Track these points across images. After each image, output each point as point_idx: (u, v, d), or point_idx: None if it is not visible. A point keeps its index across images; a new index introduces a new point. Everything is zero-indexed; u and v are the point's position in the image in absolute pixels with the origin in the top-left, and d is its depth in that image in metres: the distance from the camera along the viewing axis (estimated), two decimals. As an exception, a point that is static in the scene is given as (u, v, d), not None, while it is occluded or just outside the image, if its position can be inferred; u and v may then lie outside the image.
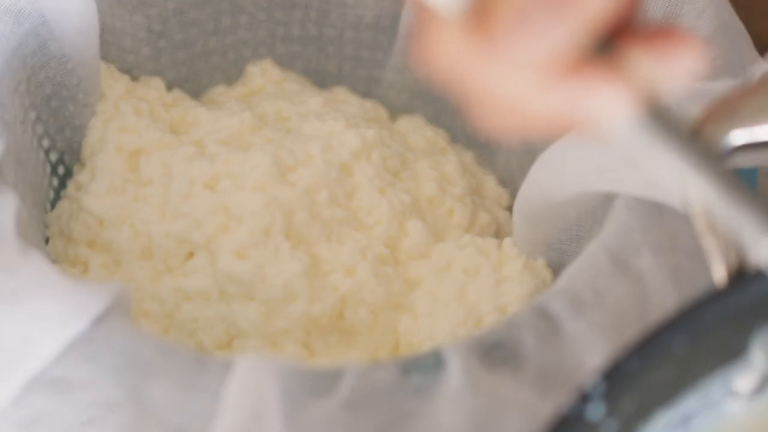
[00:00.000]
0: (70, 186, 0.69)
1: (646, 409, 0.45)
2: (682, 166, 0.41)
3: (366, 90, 0.76)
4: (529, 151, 0.70)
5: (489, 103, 0.41)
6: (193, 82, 0.75)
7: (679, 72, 0.40)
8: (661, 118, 0.41)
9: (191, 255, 0.65)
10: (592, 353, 0.53)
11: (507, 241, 0.66)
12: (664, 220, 0.56)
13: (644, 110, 0.40)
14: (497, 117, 0.41)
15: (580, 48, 0.39)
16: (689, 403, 0.46)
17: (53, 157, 0.69)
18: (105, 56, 0.71)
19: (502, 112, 0.41)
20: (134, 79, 0.73)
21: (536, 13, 0.38)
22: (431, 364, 0.53)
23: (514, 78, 0.39)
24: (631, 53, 0.40)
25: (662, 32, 0.40)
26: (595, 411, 0.44)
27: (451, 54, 0.40)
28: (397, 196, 0.67)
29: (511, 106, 0.40)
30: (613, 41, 0.40)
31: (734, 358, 0.46)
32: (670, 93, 0.56)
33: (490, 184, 0.73)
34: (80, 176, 0.69)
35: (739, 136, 0.50)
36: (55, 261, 0.67)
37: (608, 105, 0.40)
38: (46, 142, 0.68)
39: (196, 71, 0.75)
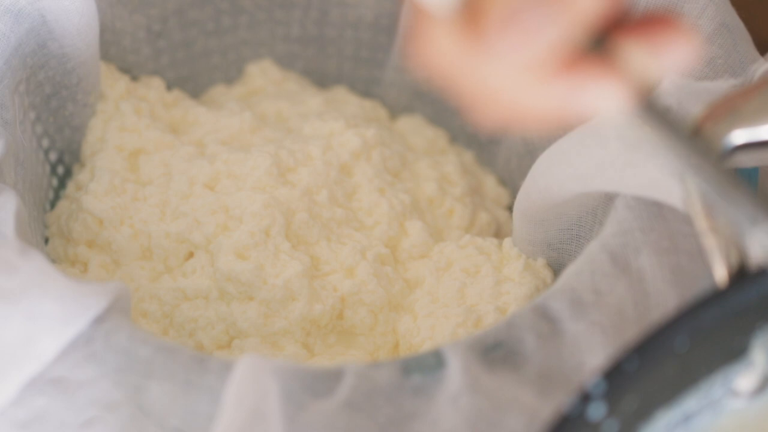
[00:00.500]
0: (70, 186, 0.69)
1: (647, 409, 0.45)
2: (677, 158, 0.41)
3: (366, 90, 0.76)
4: (529, 151, 0.70)
5: (484, 100, 0.41)
6: (193, 82, 0.75)
7: (672, 61, 0.40)
8: (655, 111, 0.41)
9: (191, 255, 0.65)
10: (592, 353, 0.52)
11: (507, 241, 0.66)
12: (664, 220, 0.56)
13: (639, 103, 0.40)
14: (493, 113, 0.41)
15: (573, 44, 0.39)
16: (690, 402, 0.46)
17: (53, 156, 0.69)
18: (105, 56, 0.71)
19: (497, 109, 0.41)
20: (134, 78, 0.73)
21: (528, 10, 0.38)
22: (431, 364, 0.52)
23: (508, 75, 0.39)
24: (625, 46, 0.40)
25: (653, 21, 0.40)
26: (596, 411, 0.44)
27: (445, 52, 0.40)
28: (397, 196, 0.67)
29: (506, 103, 0.40)
30: (606, 35, 0.40)
31: (735, 357, 0.46)
32: (664, 84, 0.56)
33: (490, 183, 0.73)
34: (80, 176, 0.69)
35: (739, 136, 0.50)
36: (54, 261, 0.67)
37: (603, 99, 0.40)
38: (45, 142, 0.68)
39: (196, 71, 0.75)
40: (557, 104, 0.40)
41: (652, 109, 0.41)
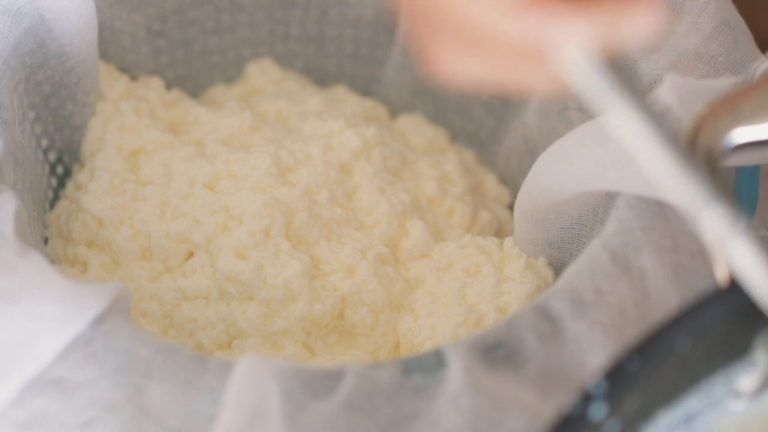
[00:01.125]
0: (70, 186, 0.69)
1: (649, 409, 0.45)
2: (629, 116, 0.42)
3: (366, 88, 0.76)
4: (530, 150, 0.70)
5: (451, 33, 0.41)
6: (192, 82, 0.75)
7: (639, 27, 0.40)
8: (617, 66, 0.41)
9: (191, 255, 0.65)
10: (593, 353, 0.52)
11: (508, 241, 0.65)
12: (665, 219, 0.56)
13: (603, 54, 0.41)
14: (456, 55, 0.41)
15: None
16: (691, 402, 0.46)
17: (52, 156, 0.69)
18: (104, 55, 0.71)
19: (462, 47, 0.41)
20: (133, 78, 0.73)
21: None
22: (432, 363, 0.52)
23: (477, 2, 0.40)
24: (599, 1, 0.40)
25: None
26: (598, 411, 0.44)
27: None
28: (397, 196, 0.67)
29: (473, 34, 0.40)
30: None
31: (737, 357, 0.46)
32: (665, 83, 0.56)
33: (490, 182, 0.73)
34: (79, 176, 0.68)
35: (740, 134, 0.50)
36: (54, 261, 0.67)
37: (570, 40, 0.40)
38: (44, 142, 0.68)
39: (196, 70, 0.75)
40: (523, 38, 0.40)
41: (611, 60, 0.41)
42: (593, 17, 0.40)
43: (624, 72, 0.41)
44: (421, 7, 0.41)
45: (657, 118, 0.42)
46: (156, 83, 0.72)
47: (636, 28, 0.40)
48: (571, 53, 0.41)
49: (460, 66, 0.42)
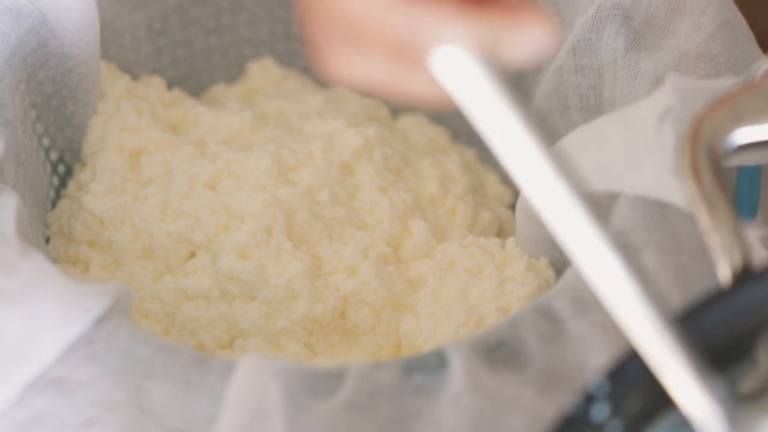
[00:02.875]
0: (71, 185, 0.69)
1: (651, 410, 0.45)
2: (506, 123, 0.41)
3: (366, 88, 0.76)
4: (531, 150, 0.69)
5: (339, 29, 0.40)
6: (193, 81, 0.75)
7: (525, 43, 0.39)
8: (495, 74, 0.40)
9: (192, 255, 0.65)
10: (595, 353, 0.52)
11: (510, 241, 0.65)
12: (667, 220, 0.56)
13: (482, 62, 0.40)
14: (344, 53, 0.40)
15: None
16: (693, 403, 0.45)
17: (53, 156, 0.69)
18: (105, 55, 0.71)
19: (349, 44, 0.40)
20: (134, 77, 0.73)
21: None
22: (434, 364, 0.52)
23: None
24: (487, 10, 0.39)
25: (522, 8, 0.39)
26: (600, 411, 0.44)
27: None
28: (398, 195, 0.67)
29: (357, 30, 0.40)
30: None
31: (739, 358, 0.46)
32: (667, 83, 0.56)
33: (492, 182, 0.73)
34: (81, 175, 0.68)
35: (742, 134, 0.50)
36: (55, 260, 0.67)
37: (448, 43, 0.39)
38: (46, 141, 0.68)
39: (197, 69, 0.75)
40: (403, 34, 0.39)
41: (497, 73, 0.40)
42: (476, 24, 0.39)
43: (502, 80, 0.40)
44: (313, 1, 0.40)
45: (537, 125, 0.41)
46: (157, 83, 0.72)
47: (521, 44, 0.39)
48: (446, 56, 0.40)
49: (347, 65, 0.41)
